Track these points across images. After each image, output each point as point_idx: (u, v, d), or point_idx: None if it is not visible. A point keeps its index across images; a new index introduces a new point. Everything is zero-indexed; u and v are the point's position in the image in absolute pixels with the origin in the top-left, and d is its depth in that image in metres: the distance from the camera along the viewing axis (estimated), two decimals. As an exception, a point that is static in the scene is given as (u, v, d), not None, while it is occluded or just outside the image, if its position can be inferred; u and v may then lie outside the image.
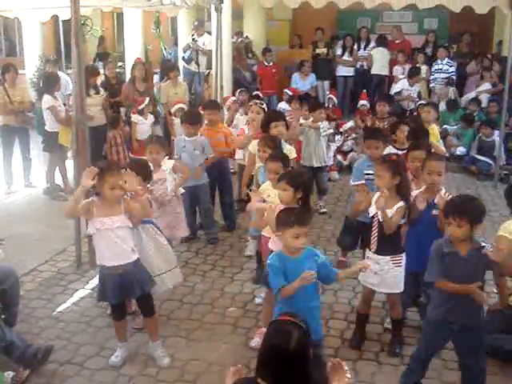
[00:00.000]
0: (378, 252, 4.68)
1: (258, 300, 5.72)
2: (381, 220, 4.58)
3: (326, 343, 4.58)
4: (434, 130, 7.87)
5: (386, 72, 13.86)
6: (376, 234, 4.68)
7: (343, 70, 14.14)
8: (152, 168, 5.94)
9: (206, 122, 7.60)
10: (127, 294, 4.65)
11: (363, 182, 5.84)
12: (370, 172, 5.80)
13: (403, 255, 4.69)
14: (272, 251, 4.65)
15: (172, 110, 9.86)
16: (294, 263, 3.95)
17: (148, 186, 5.78)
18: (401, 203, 4.57)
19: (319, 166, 8.20)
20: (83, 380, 4.55)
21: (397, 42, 14.18)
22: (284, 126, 6.40)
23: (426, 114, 8.11)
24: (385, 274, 4.66)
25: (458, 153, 11.02)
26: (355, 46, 14.08)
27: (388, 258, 4.65)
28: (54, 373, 4.64)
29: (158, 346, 4.81)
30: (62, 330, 5.25)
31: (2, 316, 4.60)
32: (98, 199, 4.49)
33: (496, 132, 10.34)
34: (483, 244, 3.95)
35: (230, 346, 4.98)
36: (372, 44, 14.05)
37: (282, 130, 6.36)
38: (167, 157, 6.23)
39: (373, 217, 4.69)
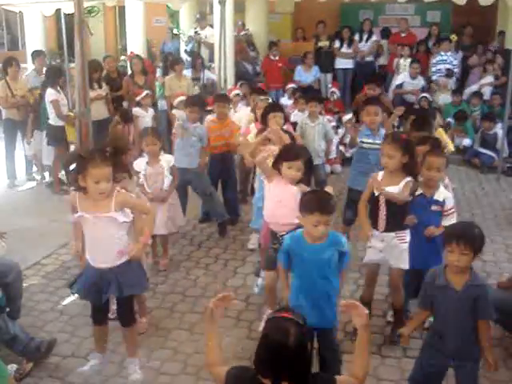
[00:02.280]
0: (384, 230, 4.67)
1: (255, 290, 5.68)
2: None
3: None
4: (443, 135, 7.77)
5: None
6: (384, 213, 4.62)
7: (342, 63, 14.02)
8: (148, 160, 6.05)
9: (215, 114, 7.62)
10: (101, 292, 4.18)
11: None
12: (370, 141, 5.86)
13: (407, 231, 4.69)
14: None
15: (174, 103, 9.88)
16: (313, 251, 3.89)
17: (141, 180, 5.91)
18: (408, 178, 4.55)
19: (316, 163, 8.17)
20: (86, 373, 4.54)
21: (402, 35, 14.14)
22: (282, 118, 6.48)
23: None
24: (391, 249, 4.67)
25: (464, 144, 10.96)
26: (356, 37, 14.03)
27: (393, 234, 4.65)
28: (57, 366, 4.66)
29: (132, 362, 4.47)
30: (66, 324, 5.27)
31: (6, 309, 4.61)
32: (81, 193, 4.03)
33: (499, 125, 10.33)
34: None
35: (232, 338, 5.00)
36: (374, 37, 14.01)
37: (280, 121, 6.45)
38: (162, 151, 6.20)
39: (378, 197, 4.65)
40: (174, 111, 9.85)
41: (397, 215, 4.62)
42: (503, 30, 14.06)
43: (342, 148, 10.39)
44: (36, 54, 10.45)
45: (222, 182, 7.70)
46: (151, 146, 5.98)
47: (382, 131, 6.14)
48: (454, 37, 13.45)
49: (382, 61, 14.20)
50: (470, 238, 3.56)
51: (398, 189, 4.55)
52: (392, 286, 4.92)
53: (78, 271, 6.09)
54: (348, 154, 10.29)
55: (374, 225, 4.73)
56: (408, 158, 4.55)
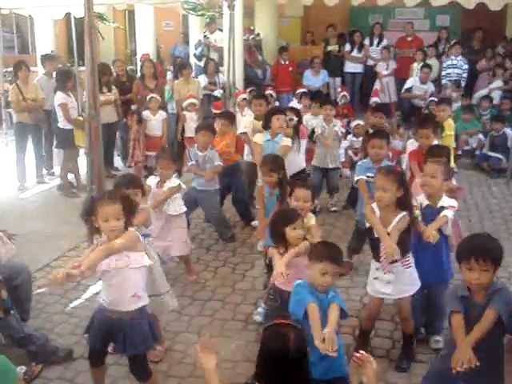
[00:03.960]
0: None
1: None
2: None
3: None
4: (450, 123, 7.72)
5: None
6: (385, 253, 4.36)
7: (350, 67, 14.06)
8: (159, 180, 5.86)
9: (217, 129, 7.57)
10: (106, 340, 4.10)
11: (363, 177, 5.87)
12: (370, 175, 5.72)
13: (410, 254, 4.51)
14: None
15: (183, 105, 9.92)
16: (322, 299, 3.72)
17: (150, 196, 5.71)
18: (403, 213, 4.34)
19: (333, 167, 8.20)
20: (96, 375, 4.58)
21: (409, 39, 14.11)
22: (285, 121, 6.48)
23: (442, 113, 7.68)
24: (399, 278, 4.46)
25: (479, 137, 10.84)
26: (367, 42, 14.02)
27: (399, 263, 4.44)
28: (66, 368, 4.68)
29: None
30: (75, 326, 5.28)
31: (12, 312, 4.61)
32: (103, 238, 3.98)
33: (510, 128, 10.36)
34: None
35: (241, 342, 5.00)
36: (385, 41, 13.96)
37: (284, 123, 6.46)
38: (176, 174, 5.99)
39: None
40: (185, 113, 9.92)
41: (399, 246, 4.33)
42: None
43: (350, 153, 10.39)
44: (47, 58, 10.47)
45: (233, 190, 7.74)
46: (164, 170, 5.79)
47: (386, 163, 6.00)
48: (459, 43, 13.45)
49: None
50: (490, 252, 3.30)
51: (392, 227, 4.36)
52: (402, 317, 4.72)
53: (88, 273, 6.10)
54: (356, 159, 10.28)
55: (377, 257, 4.49)
56: (403, 191, 4.36)
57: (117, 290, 3.93)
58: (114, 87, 9.90)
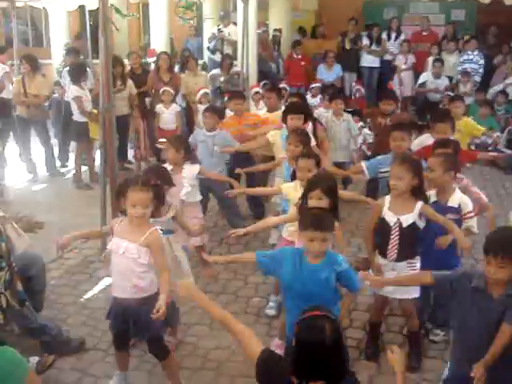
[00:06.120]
0: (396, 259, 4.43)
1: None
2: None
3: (349, 335, 4.62)
4: (470, 122, 7.70)
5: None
6: (396, 243, 4.38)
7: (368, 61, 13.91)
8: (171, 168, 5.74)
9: (231, 111, 7.62)
10: (128, 331, 4.14)
11: (364, 165, 5.86)
12: (383, 170, 5.60)
13: (418, 258, 4.47)
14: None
15: (197, 97, 9.91)
16: (311, 270, 3.70)
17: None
18: (420, 203, 4.32)
19: (343, 161, 8.18)
20: (108, 366, 4.61)
21: (424, 33, 14.00)
22: (301, 120, 6.35)
23: (456, 109, 7.47)
24: None
25: (496, 135, 10.61)
26: (384, 36, 13.88)
27: (404, 263, 4.42)
28: (78, 358, 4.71)
29: None
30: (88, 317, 5.32)
31: (27, 303, 4.65)
32: (126, 219, 4.05)
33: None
34: None
35: (252, 335, 5.00)
36: (403, 36, 13.81)
37: (298, 123, 6.31)
38: (188, 161, 5.92)
39: (389, 225, 4.40)
40: (198, 105, 9.93)
41: (409, 243, 4.39)
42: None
43: (364, 147, 10.35)
44: (69, 52, 10.51)
45: (246, 179, 7.72)
46: (174, 154, 5.74)
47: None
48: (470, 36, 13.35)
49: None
50: (509, 249, 3.19)
51: (414, 215, 4.32)
52: (406, 315, 4.70)
53: (101, 265, 6.13)
54: (370, 153, 10.23)
55: (383, 253, 4.49)
56: (418, 180, 4.32)
57: (121, 276, 4.00)
58: (129, 80, 9.85)
